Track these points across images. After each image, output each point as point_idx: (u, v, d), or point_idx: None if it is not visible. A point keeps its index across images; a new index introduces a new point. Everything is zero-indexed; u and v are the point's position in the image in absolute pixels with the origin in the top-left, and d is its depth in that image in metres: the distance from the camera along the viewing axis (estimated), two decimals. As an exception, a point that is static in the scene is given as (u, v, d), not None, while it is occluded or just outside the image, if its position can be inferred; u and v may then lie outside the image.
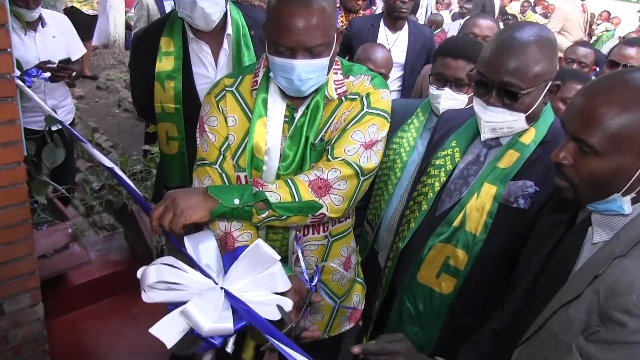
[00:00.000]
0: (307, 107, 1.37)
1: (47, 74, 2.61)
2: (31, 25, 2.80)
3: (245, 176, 1.40)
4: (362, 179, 1.33)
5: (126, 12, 7.81)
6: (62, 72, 2.67)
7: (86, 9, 6.54)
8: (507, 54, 1.24)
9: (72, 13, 5.99)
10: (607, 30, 10.25)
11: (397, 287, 1.52)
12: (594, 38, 9.44)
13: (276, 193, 1.25)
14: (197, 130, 1.45)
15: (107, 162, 1.48)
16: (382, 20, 3.32)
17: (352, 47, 3.20)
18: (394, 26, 3.28)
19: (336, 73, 1.39)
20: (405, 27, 3.32)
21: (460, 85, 1.74)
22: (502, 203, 1.30)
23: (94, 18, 6.75)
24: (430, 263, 1.39)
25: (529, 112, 1.28)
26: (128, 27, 7.85)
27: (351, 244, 1.56)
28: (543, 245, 1.26)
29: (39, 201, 2.29)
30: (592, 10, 10.40)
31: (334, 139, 1.35)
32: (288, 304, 1.15)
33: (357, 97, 1.37)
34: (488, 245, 1.32)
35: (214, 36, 1.97)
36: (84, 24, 5.95)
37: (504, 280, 1.36)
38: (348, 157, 1.31)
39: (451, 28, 6.04)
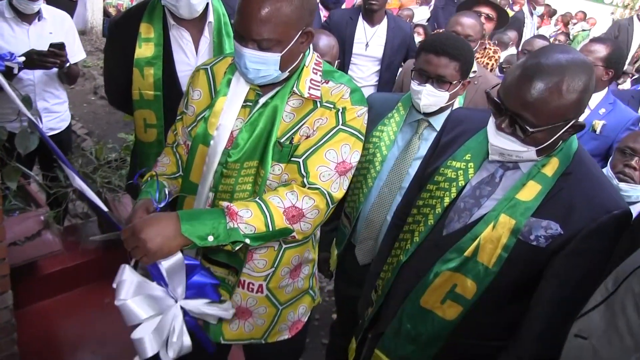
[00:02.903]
0: (271, 98, 1.38)
1: (22, 59, 2.54)
2: (27, 18, 2.67)
3: (189, 144, 1.47)
4: (330, 207, 1.34)
5: (104, -1, 7.67)
6: (53, 58, 2.44)
7: (67, -6, 6.38)
8: (526, 85, 1.13)
9: None
10: (583, 30, 10.45)
11: (392, 298, 1.48)
12: (570, 38, 9.60)
13: (251, 225, 1.22)
14: None
15: (78, 182, 1.43)
16: (360, 13, 3.33)
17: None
18: (372, 20, 3.29)
19: (315, 73, 1.39)
20: (384, 22, 3.33)
21: (441, 82, 1.74)
22: (520, 239, 1.23)
23: (75, 4, 6.58)
24: (435, 289, 1.34)
25: (540, 147, 1.21)
26: (106, 13, 7.71)
27: (305, 254, 1.54)
28: (560, 285, 1.22)
29: (11, 187, 2.25)
30: (568, 10, 10.63)
31: (307, 153, 1.33)
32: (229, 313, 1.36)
33: (332, 107, 1.35)
34: (500, 278, 1.26)
35: (195, 23, 1.95)
36: (66, 10, 5.81)
37: (509, 307, 1.33)
38: (322, 184, 1.31)
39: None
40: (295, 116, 1.37)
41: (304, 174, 1.32)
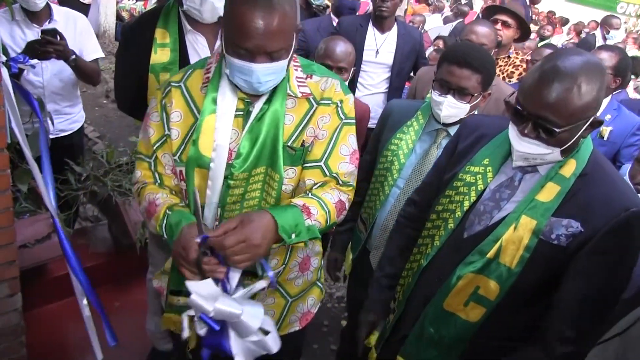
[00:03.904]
0: (268, 103, 1.35)
1: (35, 61, 2.54)
2: (37, 20, 2.65)
3: (181, 171, 1.40)
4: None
5: (117, 3, 7.74)
6: (48, 46, 2.37)
7: (82, -3, 6.46)
8: (547, 87, 1.17)
9: (67, 1, 5.92)
10: (595, 40, 10.39)
11: (413, 303, 1.48)
12: (582, 47, 9.54)
13: (318, 221, 1.31)
14: (143, 122, 1.47)
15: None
16: (370, 20, 3.31)
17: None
18: (383, 27, 3.27)
19: (297, 70, 1.40)
20: (395, 28, 3.30)
21: (463, 94, 1.74)
22: (542, 239, 1.26)
23: (87, 7, 6.65)
24: (458, 292, 1.35)
25: (564, 147, 1.24)
26: (119, 17, 7.78)
27: (309, 245, 1.55)
28: (585, 285, 1.23)
29: (22, 190, 2.25)
30: (581, 19, 10.59)
31: (325, 156, 1.39)
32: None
33: (330, 102, 1.39)
34: (522, 279, 1.28)
35: (211, 28, 1.95)
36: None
37: (531, 308, 1.33)
38: (349, 179, 1.43)
39: (442, 31, 6.07)
40: (295, 117, 1.38)
41: (335, 175, 1.40)
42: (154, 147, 1.42)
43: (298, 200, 1.29)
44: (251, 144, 1.35)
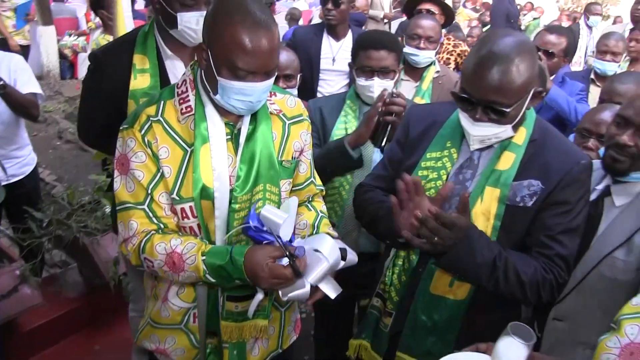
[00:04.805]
0: (253, 123, 1.38)
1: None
2: None
3: (191, 206, 1.34)
4: None
5: (58, 41, 7.54)
6: None
7: (19, 39, 6.28)
8: (488, 72, 1.22)
9: (3, 45, 5.75)
10: (534, 19, 10.80)
11: (405, 298, 1.49)
12: (522, 28, 9.88)
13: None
14: (116, 170, 1.37)
15: None
16: (325, 29, 3.34)
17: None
18: (337, 34, 3.30)
19: None
20: (349, 35, 3.34)
21: (386, 73, 1.91)
22: (508, 204, 1.33)
23: (28, 48, 6.47)
24: (442, 274, 1.39)
25: (515, 122, 1.31)
26: (62, 55, 7.59)
27: None
28: (549, 228, 1.33)
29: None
30: (518, 3, 10.95)
31: (312, 170, 1.56)
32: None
33: (303, 119, 1.49)
34: None
35: (189, 52, 1.92)
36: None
37: None
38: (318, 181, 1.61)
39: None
40: (277, 134, 1.42)
41: (319, 187, 1.60)
42: (149, 189, 1.33)
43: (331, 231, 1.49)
44: (248, 165, 1.35)
